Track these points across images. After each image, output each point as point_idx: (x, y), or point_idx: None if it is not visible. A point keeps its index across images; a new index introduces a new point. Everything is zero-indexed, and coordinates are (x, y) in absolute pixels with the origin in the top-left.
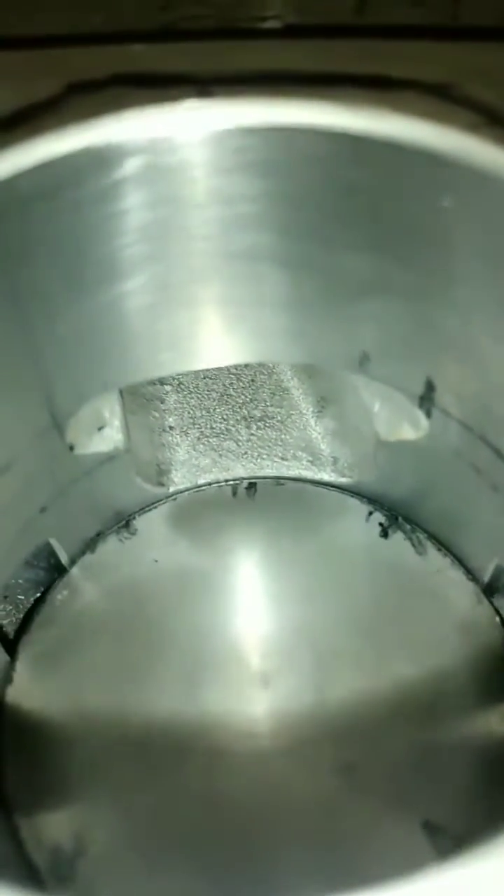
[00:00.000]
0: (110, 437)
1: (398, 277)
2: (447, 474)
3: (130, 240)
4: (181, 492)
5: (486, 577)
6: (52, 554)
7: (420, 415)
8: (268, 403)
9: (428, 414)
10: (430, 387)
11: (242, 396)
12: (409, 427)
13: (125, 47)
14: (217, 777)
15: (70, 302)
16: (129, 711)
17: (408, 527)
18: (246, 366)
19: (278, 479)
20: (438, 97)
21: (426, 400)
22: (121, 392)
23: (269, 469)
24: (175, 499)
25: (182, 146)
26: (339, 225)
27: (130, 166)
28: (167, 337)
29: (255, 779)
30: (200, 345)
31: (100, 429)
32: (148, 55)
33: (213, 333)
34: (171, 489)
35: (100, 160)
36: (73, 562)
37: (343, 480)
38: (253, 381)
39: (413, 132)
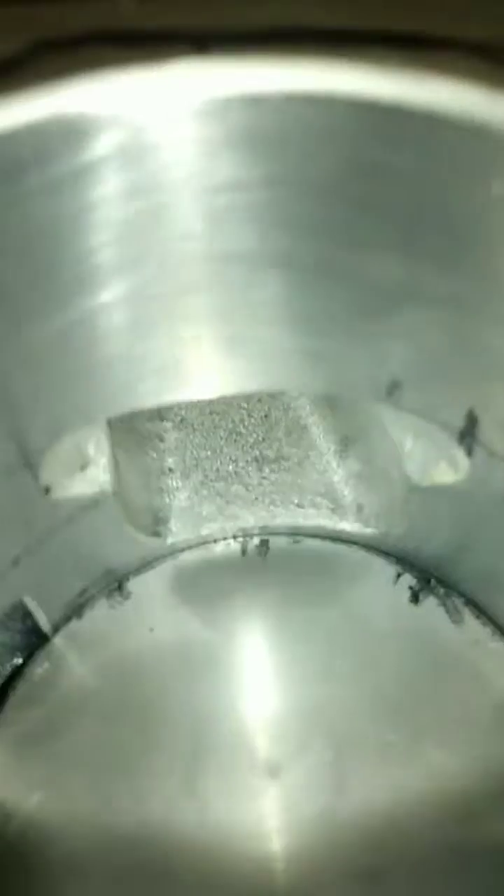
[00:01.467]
0: (95, 478)
1: (435, 285)
2: (490, 526)
3: (108, 237)
4: (182, 550)
5: None
6: (28, 615)
7: (460, 453)
8: (283, 443)
9: (469, 452)
10: (472, 419)
11: (254, 435)
12: (447, 468)
13: (106, 1)
14: (218, 887)
15: (37, 314)
16: (118, 807)
17: (441, 591)
18: (259, 400)
19: (294, 535)
20: (487, 58)
21: (467, 435)
22: (109, 425)
23: (284, 518)
24: (176, 557)
25: (173, 117)
26: (363, 218)
27: (109, 142)
28: (151, 360)
29: (262, 889)
30: (192, 370)
31: (82, 468)
32: (133, 12)
33: (209, 356)
34: (170, 541)
35: (72, 133)
36: (55, 629)
37: (368, 532)
38: (266, 416)
39: (457, 100)
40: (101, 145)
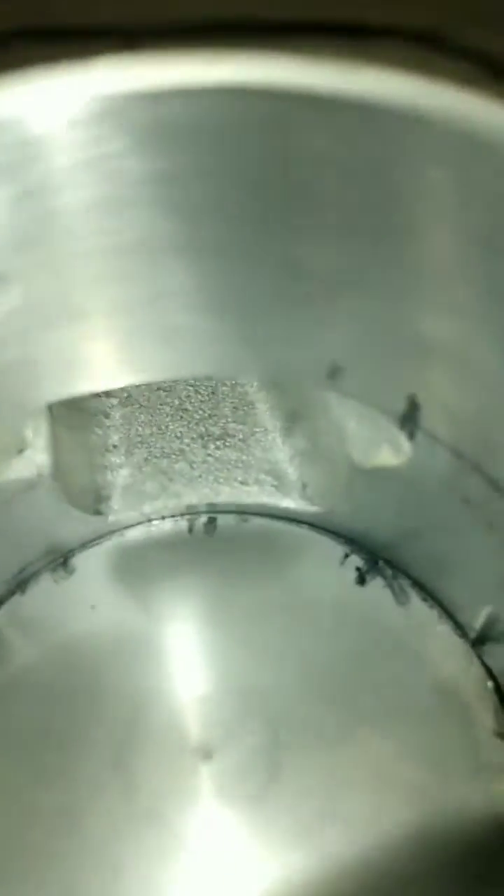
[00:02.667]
0: (31, 461)
1: (372, 272)
2: (434, 508)
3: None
4: (129, 527)
5: (477, 628)
6: None
7: (402, 437)
8: (229, 420)
9: (411, 436)
10: (413, 405)
11: (200, 412)
12: (389, 451)
13: None
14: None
15: None
16: (46, 784)
17: (389, 572)
18: (206, 377)
19: (242, 514)
20: (425, 46)
21: (409, 420)
22: (50, 406)
23: (227, 496)
24: (123, 534)
25: (102, 111)
26: (299, 208)
27: (41, 137)
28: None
29: (195, 869)
30: (129, 358)
31: (20, 451)
32: (60, 6)
33: (143, 345)
34: (111, 518)
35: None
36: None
37: (312, 510)
38: (213, 393)
39: (391, 88)
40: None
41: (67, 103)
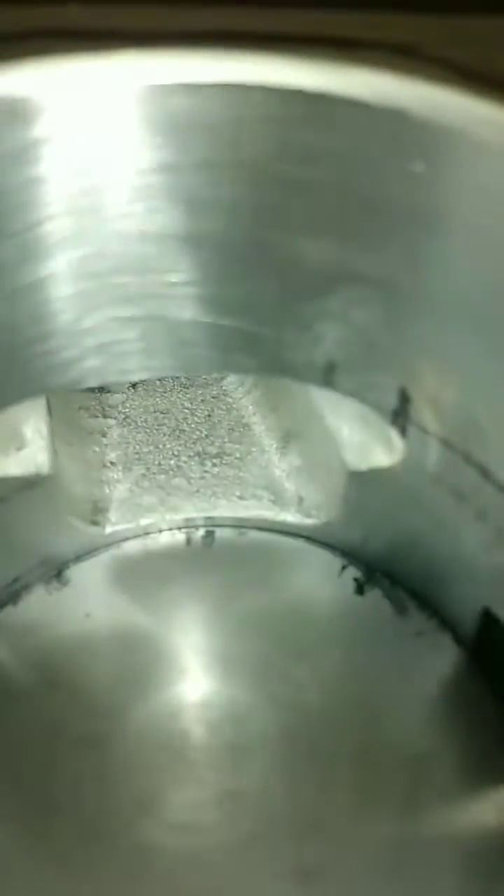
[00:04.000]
0: (30, 459)
1: (365, 266)
2: (428, 509)
3: (52, 212)
4: (126, 539)
5: (474, 630)
6: None
7: (394, 434)
8: (226, 439)
9: (403, 432)
10: (404, 398)
11: (197, 432)
12: (383, 451)
13: (55, 8)
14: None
15: None
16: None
17: (387, 583)
18: (202, 400)
19: (239, 527)
20: (407, 55)
21: (401, 415)
22: (49, 411)
23: (225, 510)
24: (119, 546)
25: (116, 104)
26: (297, 201)
27: (53, 123)
28: (94, 337)
29: (190, 886)
30: (133, 349)
31: (18, 448)
32: (81, 16)
33: (147, 338)
34: (108, 530)
35: (17, 112)
36: None
37: (309, 522)
38: (210, 416)
39: (377, 88)
40: (46, 127)
41: (80, 93)
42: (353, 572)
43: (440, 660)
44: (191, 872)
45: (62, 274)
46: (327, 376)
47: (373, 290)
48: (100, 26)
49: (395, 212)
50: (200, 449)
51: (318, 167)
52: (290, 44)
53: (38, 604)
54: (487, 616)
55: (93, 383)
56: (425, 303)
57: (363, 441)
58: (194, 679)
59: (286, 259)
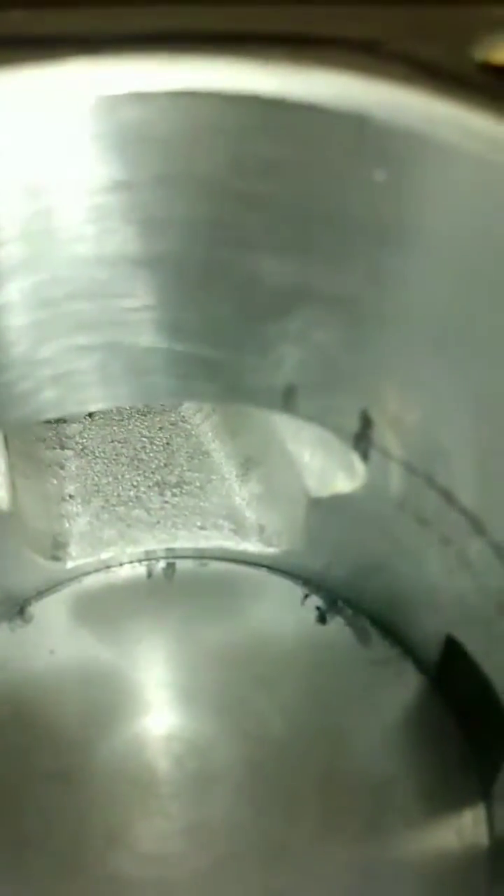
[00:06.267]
0: None
1: (326, 283)
2: (391, 535)
3: (2, 238)
4: (88, 573)
5: (437, 657)
6: None
7: (356, 459)
8: (185, 468)
9: (365, 456)
10: (366, 421)
11: (156, 461)
12: (345, 477)
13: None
14: None
15: None
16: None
17: (349, 611)
18: (160, 428)
19: (200, 558)
20: (366, 53)
21: (363, 439)
22: (7, 448)
23: (186, 541)
24: (80, 581)
25: (64, 116)
26: (252, 217)
27: (1, 137)
28: (50, 368)
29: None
30: (91, 380)
31: None
32: (26, 20)
33: (103, 366)
34: (69, 565)
35: None
36: None
37: (271, 551)
38: (168, 444)
39: (336, 90)
40: None
41: (25, 105)
42: (315, 601)
43: (403, 687)
44: None
45: (14, 303)
46: (287, 401)
47: (334, 308)
48: (45, 32)
49: (356, 225)
50: (160, 478)
51: (275, 180)
52: (244, 44)
53: (2, 641)
54: (450, 643)
55: (51, 415)
56: (387, 321)
57: (324, 467)
58: (158, 713)
59: (244, 279)
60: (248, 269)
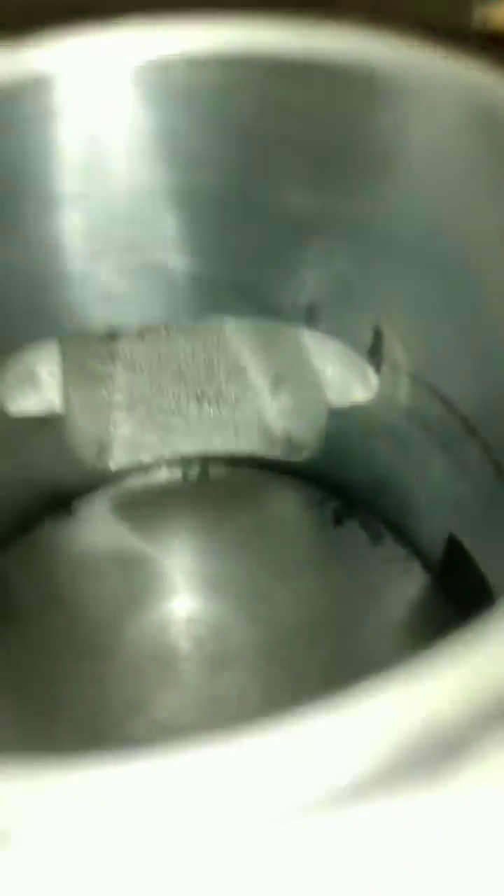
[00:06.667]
0: (46, 398)
1: (339, 213)
2: (400, 442)
3: (65, 171)
4: (127, 475)
5: (440, 556)
6: None
7: (370, 371)
8: (223, 382)
9: (377, 368)
10: (377, 335)
11: (197, 376)
12: (361, 388)
13: None
14: None
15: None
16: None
17: (364, 514)
18: (203, 346)
19: (231, 464)
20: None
21: (375, 352)
22: (63, 354)
23: (219, 447)
24: (122, 481)
25: (119, 76)
26: (276, 154)
27: (64, 94)
28: (100, 286)
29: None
30: (134, 298)
31: (34, 388)
32: None
33: (151, 286)
34: (113, 466)
35: (36, 84)
36: (2, 544)
37: (295, 459)
38: (209, 360)
39: (351, 52)
40: (60, 95)
41: (87, 67)
42: (333, 505)
43: (410, 583)
44: None
45: (74, 226)
46: (310, 318)
47: (345, 235)
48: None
49: (364, 161)
50: (199, 391)
51: (296, 124)
52: (271, 11)
53: (47, 533)
54: (451, 542)
55: (100, 330)
56: (392, 245)
57: (343, 380)
58: (183, 597)
59: (269, 210)
60: (272, 201)
